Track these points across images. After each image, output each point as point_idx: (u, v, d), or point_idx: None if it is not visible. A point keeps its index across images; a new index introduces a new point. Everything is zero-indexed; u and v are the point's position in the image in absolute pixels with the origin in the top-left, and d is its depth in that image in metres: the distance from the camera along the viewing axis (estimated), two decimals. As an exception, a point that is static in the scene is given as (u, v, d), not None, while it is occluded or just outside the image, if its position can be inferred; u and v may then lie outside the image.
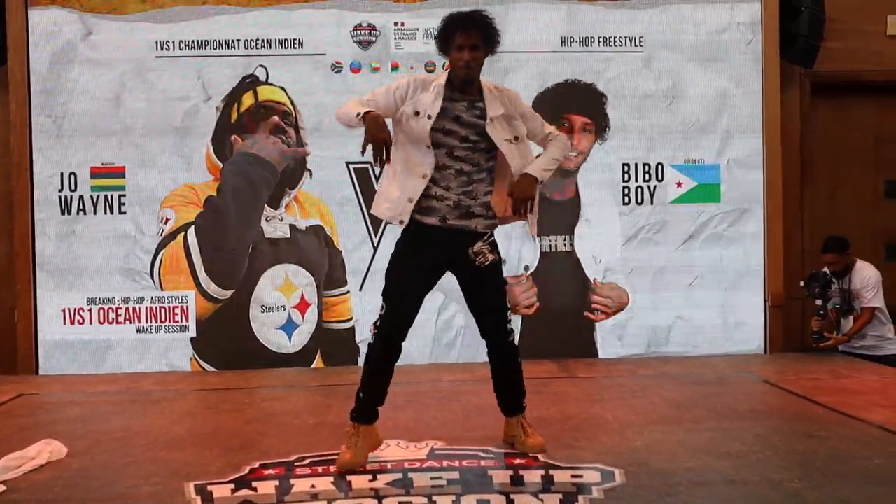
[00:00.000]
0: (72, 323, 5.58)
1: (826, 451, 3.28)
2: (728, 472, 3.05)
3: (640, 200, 5.79)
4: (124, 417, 4.17)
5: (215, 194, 5.61)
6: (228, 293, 5.61)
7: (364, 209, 5.59)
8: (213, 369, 5.58)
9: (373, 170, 5.49)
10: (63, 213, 5.59)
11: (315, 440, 3.53)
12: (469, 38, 3.11)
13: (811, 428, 3.64)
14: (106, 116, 5.59)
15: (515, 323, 5.56)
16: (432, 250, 3.20)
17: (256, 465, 3.19)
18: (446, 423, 3.86)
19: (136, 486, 3.00)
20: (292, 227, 5.65)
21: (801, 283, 5.55)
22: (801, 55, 5.74)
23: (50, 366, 5.55)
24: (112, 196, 5.61)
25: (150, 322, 5.61)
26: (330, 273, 5.66)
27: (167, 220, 5.62)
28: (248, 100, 5.65)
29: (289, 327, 5.65)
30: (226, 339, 5.61)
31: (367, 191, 5.53)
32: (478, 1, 5.57)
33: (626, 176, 5.78)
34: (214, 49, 5.63)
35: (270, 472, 3.11)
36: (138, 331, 5.60)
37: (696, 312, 5.77)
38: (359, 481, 2.98)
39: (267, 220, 5.63)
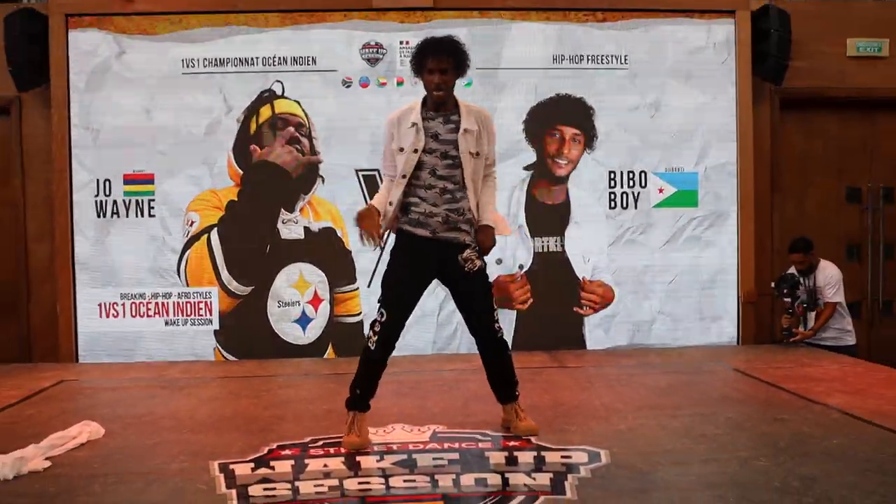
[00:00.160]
0: (107, 316, 5.60)
1: (790, 432, 3.30)
2: (703, 452, 3.07)
3: (625, 205, 5.80)
4: (154, 402, 4.20)
5: (236, 199, 5.64)
6: (248, 289, 5.63)
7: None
8: (235, 359, 5.60)
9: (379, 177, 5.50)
10: (99, 216, 5.61)
11: (327, 424, 3.54)
12: (439, 63, 3.15)
13: (777, 412, 3.66)
14: (137, 128, 5.61)
15: (511, 318, 5.65)
16: (425, 260, 3.25)
17: (274, 446, 3.21)
18: (447, 408, 3.87)
19: (165, 464, 3.03)
20: (306, 228, 5.67)
21: (772, 285, 5.57)
22: (771, 73, 5.75)
23: (88, 355, 5.57)
24: (142, 201, 5.63)
25: (178, 316, 5.63)
26: (340, 271, 5.69)
27: (192, 222, 5.63)
28: (265, 112, 5.67)
29: (303, 321, 5.67)
30: (246, 332, 5.63)
31: (374, 195, 5.52)
32: (471, 23, 5.60)
33: (613, 182, 5.79)
34: (235, 66, 5.65)
35: (287, 452, 3.13)
36: (166, 324, 5.62)
37: (675, 308, 5.79)
38: (367, 461, 3.01)
39: (283, 223, 5.65)
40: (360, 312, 5.66)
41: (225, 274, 5.61)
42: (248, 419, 3.77)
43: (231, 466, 2.95)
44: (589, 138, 5.76)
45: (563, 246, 5.75)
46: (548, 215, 5.73)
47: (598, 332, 5.77)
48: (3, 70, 5.45)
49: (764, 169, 5.92)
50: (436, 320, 5.62)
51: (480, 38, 5.66)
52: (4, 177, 5.81)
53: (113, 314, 5.60)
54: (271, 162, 5.63)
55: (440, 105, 3.22)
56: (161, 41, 5.62)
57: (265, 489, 2.73)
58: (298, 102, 5.67)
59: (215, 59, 5.64)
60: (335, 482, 2.79)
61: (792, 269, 5.49)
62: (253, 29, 5.65)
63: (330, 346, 5.66)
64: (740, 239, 5.80)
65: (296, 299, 5.65)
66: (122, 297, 5.61)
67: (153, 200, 5.62)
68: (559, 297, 5.73)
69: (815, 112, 6.13)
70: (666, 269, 5.78)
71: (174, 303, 5.61)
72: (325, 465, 2.96)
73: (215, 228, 5.62)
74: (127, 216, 5.61)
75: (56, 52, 5.55)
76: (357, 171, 5.66)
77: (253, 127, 5.65)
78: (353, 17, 5.66)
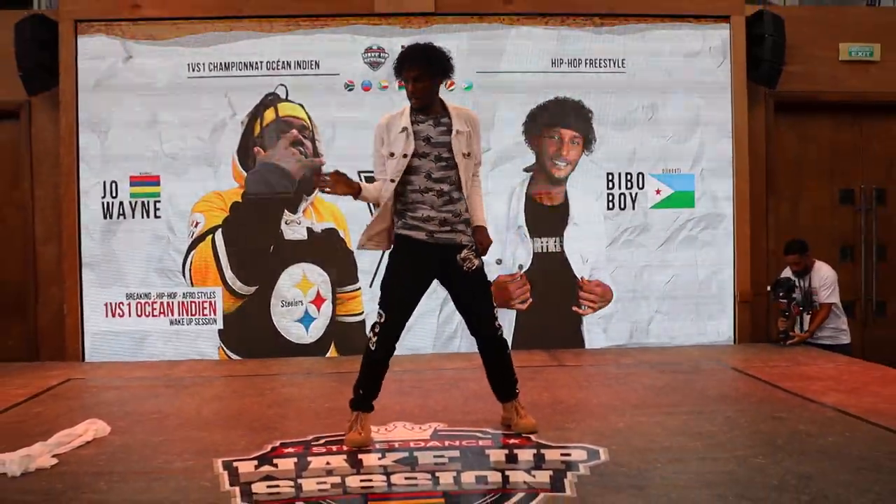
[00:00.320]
0: (113, 316, 5.58)
1: (787, 430, 3.28)
2: (700, 450, 3.06)
3: (623, 206, 5.78)
4: (159, 400, 4.18)
5: (240, 200, 5.62)
6: (252, 289, 5.62)
7: (373, 213, 5.58)
8: (238, 358, 5.58)
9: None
10: (105, 217, 5.59)
11: (330, 422, 3.52)
12: (410, 72, 3.16)
13: (774, 410, 3.65)
14: (143, 131, 5.59)
15: (511, 317, 5.63)
16: (424, 262, 3.24)
17: (277, 443, 3.20)
18: (448, 407, 3.86)
19: (170, 462, 3.01)
20: (309, 229, 5.65)
21: (768, 288, 5.55)
22: (765, 77, 5.74)
23: (94, 354, 5.55)
24: (148, 202, 5.61)
25: (182, 315, 5.61)
26: (343, 271, 5.67)
27: (197, 223, 5.62)
28: (269, 115, 5.65)
29: (306, 320, 5.65)
30: (249, 331, 5.61)
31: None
32: (472, 28, 5.59)
33: (611, 184, 5.77)
34: (240, 70, 5.63)
35: (290, 450, 3.12)
36: (171, 323, 5.60)
37: (672, 307, 5.77)
38: (369, 459, 2.99)
39: (286, 224, 5.64)
40: (363, 312, 5.64)
41: (229, 274, 5.59)
42: (252, 417, 3.75)
43: (235, 464, 2.94)
44: (587, 140, 5.75)
45: (561, 246, 5.73)
46: (547, 216, 5.72)
47: (597, 331, 5.75)
48: (13, 75, 5.44)
49: (759, 171, 5.90)
50: (436, 320, 5.60)
51: (481, 42, 5.66)
52: (14, 180, 5.80)
53: (119, 314, 5.58)
54: (275, 163, 5.61)
55: (426, 108, 3.22)
56: (167, 46, 5.61)
57: (268, 486, 2.72)
58: (302, 105, 5.65)
59: (220, 64, 5.63)
60: (337, 479, 2.77)
61: (787, 271, 5.47)
62: (257, 34, 5.64)
63: (332, 346, 5.64)
64: (736, 239, 5.78)
65: (299, 299, 5.63)
66: (128, 296, 5.59)
67: (159, 202, 5.61)
68: (558, 296, 5.72)
69: (809, 115, 6.11)
70: (663, 269, 5.76)
71: (179, 302, 5.59)
72: (328, 463, 2.95)
73: (220, 229, 5.60)
74: (133, 217, 5.60)
75: (65, 57, 5.54)
76: (359, 172, 5.61)
77: (257, 129, 5.64)
78: (356, 22, 5.65)
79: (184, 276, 5.60)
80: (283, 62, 5.65)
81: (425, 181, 3.19)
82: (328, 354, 5.63)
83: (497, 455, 3.03)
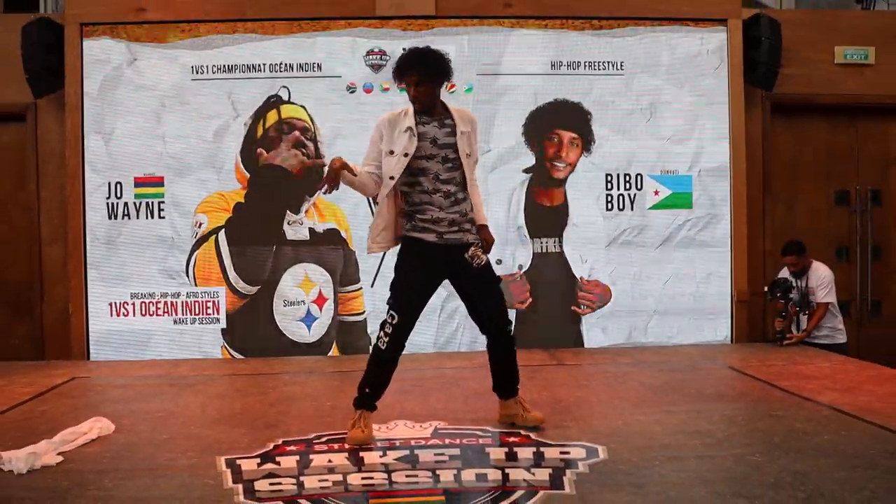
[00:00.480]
0: (118, 315, 5.58)
1: (783, 429, 3.28)
2: (698, 448, 3.05)
3: (621, 207, 5.78)
4: (163, 399, 4.17)
5: (243, 201, 5.61)
6: (254, 289, 5.62)
7: (374, 213, 5.58)
8: (241, 357, 5.59)
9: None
10: (110, 217, 5.59)
11: (332, 420, 3.52)
12: (411, 77, 3.16)
13: (771, 409, 3.64)
14: (148, 133, 5.60)
15: (511, 317, 5.59)
16: (434, 263, 3.23)
17: (280, 441, 3.19)
18: (448, 405, 3.85)
19: (174, 459, 3.01)
20: (311, 230, 5.65)
21: (765, 289, 5.54)
22: (762, 79, 5.73)
23: (99, 353, 5.56)
24: (152, 203, 5.61)
25: (186, 314, 5.61)
26: (344, 271, 5.66)
27: (200, 224, 5.62)
28: (272, 117, 5.65)
29: (308, 319, 5.64)
30: (252, 330, 5.61)
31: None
32: (472, 31, 5.58)
33: (609, 185, 5.77)
34: (243, 72, 5.63)
35: (292, 448, 3.11)
36: (175, 322, 5.60)
37: (670, 306, 5.76)
38: (370, 457, 2.99)
39: (289, 224, 5.64)
40: (364, 311, 5.64)
41: (232, 274, 5.59)
42: (255, 415, 3.75)
43: (238, 462, 2.93)
44: (586, 142, 5.75)
45: (561, 247, 5.73)
46: (546, 217, 5.71)
47: (596, 330, 5.74)
48: (20, 77, 5.44)
49: (756, 172, 5.90)
50: (437, 319, 5.60)
51: (481, 44, 5.66)
52: (20, 181, 5.80)
53: (123, 313, 5.58)
54: (277, 165, 5.61)
55: (430, 110, 3.22)
56: (171, 49, 5.61)
57: (271, 484, 2.72)
58: (304, 107, 5.66)
59: (224, 66, 5.63)
60: (339, 477, 2.77)
61: (784, 272, 5.46)
62: (260, 36, 5.64)
63: (334, 345, 5.64)
64: (733, 240, 5.77)
65: (301, 299, 5.63)
66: (133, 296, 5.59)
67: (163, 203, 5.61)
68: (557, 296, 5.72)
69: (805, 117, 6.11)
70: (661, 270, 5.76)
71: (183, 302, 5.59)
72: (330, 461, 2.94)
73: (223, 230, 5.60)
74: (137, 218, 5.60)
75: (71, 60, 5.54)
76: (361, 174, 5.62)
77: (260, 131, 5.64)
78: (357, 25, 5.65)
79: (187, 276, 5.60)
80: (286, 64, 5.65)
81: (433, 183, 3.19)
82: (330, 353, 5.62)
83: (497, 453, 3.03)
